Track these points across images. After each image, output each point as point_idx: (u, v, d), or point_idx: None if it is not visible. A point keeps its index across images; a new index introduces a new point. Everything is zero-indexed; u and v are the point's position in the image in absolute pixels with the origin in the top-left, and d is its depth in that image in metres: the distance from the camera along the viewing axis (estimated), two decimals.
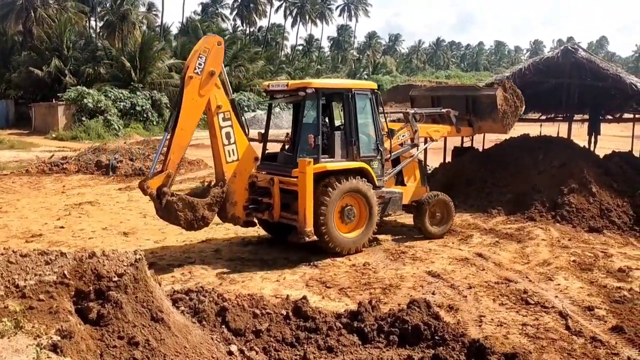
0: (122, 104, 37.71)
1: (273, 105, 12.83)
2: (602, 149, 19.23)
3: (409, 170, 12.75)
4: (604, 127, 20.44)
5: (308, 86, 10.91)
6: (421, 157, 13.62)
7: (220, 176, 10.55)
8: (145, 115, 38.51)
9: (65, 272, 4.91)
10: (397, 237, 12.55)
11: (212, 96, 10.17)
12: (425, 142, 13.40)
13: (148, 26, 59.78)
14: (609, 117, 20.13)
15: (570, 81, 16.87)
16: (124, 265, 5.12)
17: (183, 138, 10.02)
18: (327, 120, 11.90)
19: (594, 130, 19.69)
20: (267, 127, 12.33)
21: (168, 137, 10.05)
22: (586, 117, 20.38)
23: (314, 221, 10.53)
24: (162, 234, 12.65)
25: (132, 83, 39.97)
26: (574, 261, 11.12)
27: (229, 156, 10.42)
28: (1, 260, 4.93)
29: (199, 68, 9.95)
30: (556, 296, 9.25)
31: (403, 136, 12.42)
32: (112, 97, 37.74)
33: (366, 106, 11.46)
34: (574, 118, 20.25)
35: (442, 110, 13.85)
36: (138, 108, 38.09)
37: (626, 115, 19.94)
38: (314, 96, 10.89)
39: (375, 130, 11.52)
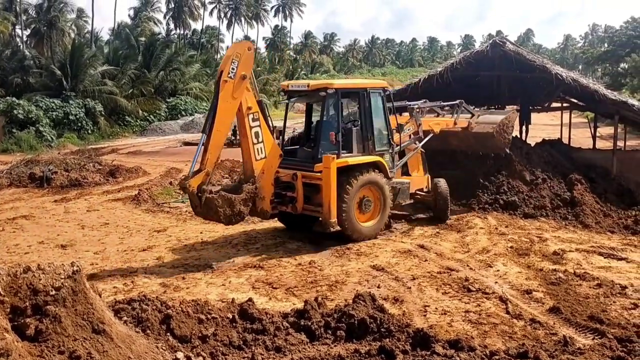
0: (54, 113, 36.41)
1: (289, 105, 13.42)
2: (533, 137, 19.98)
3: (413, 162, 13.49)
4: (534, 116, 21.21)
5: (329, 86, 11.80)
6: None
7: (250, 173, 11.13)
8: (79, 124, 37.31)
9: None
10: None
11: (243, 98, 10.79)
12: (426, 134, 13.68)
13: (78, 33, 58.03)
14: (538, 107, 20.87)
15: (500, 73, 17.42)
16: (61, 278, 4.98)
17: (219, 138, 10.66)
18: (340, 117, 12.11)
19: (525, 120, 20.38)
20: (285, 125, 13.04)
21: (205, 138, 10.55)
22: (517, 107, 21.05)
23: (337, 212, 11.39)
24: (102, 245, 12.34)
25: (64, 92, 38.65)
26: (511, 247, 11.52)
27: (258, 154, 11.06)
28: None
29: (232, 72, 10.56)
30: (496, 282, 9.57)
31: (408, 130, 13.18)
32: (44, 106, 36.39)
33: (378, 103, 12.35)
34: (506, 109, 20.89)
35: (456, 102, 14.58)
36: (71, 117, 36.87)
37: (554, 104, 20.73)
38: (335, 96, 11.76)
39: (386, 126, 12.37)
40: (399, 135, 12.76)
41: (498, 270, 10.23)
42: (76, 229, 13.84)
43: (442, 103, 14.69)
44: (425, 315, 8.23)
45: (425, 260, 10.75)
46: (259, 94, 11.38)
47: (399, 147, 12.78)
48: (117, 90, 41.62)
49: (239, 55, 10.69)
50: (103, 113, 39.32)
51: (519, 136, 19.15)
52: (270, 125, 11.37)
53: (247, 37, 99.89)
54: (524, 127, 20.38)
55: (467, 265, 10.46)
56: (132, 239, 12.85)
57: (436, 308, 8.51)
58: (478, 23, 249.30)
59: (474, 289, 9.19)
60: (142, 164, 24.05)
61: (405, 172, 13.34)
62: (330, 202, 11.31)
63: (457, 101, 14.44)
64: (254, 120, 10.96)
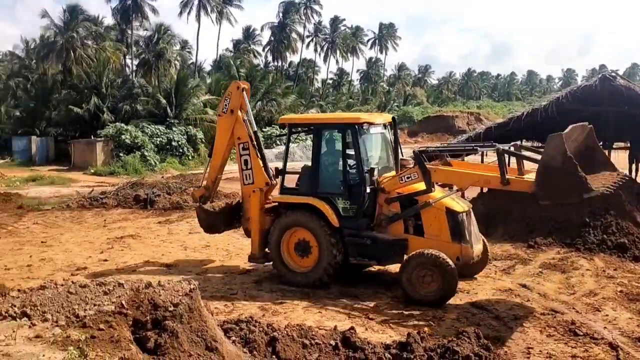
0: (158, 139, 38.46)
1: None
2: None
3: (430, 219, 10.36)
4: None
5: (284, 121, 12.07)
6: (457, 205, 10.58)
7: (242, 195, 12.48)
8: (181, 150, 39.18)
9: (123, 302, 5.03)
10: None
11: (235, 129, 12.20)
12: (451, 188, 11.19)
13: (182, 63, 61.27)
14: None
15: (609, 108, 16.71)
16: (179, 295, 5.23)
17: (216, 161, 12.73)
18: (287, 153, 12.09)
19: (634, 158, 19.38)
20: (285, 161, 12.13)
21: (209, 160, 12.92)
22: (626, 145, 20.08)
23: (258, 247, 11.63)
24: (204, 266, 12.82)
25: (168, 119, 40.79)
26: (620, 291, 10.87)
27: (246, 179, 12.07)
28: (61, 290, 5.08)
29: (225, 108, 12.35)
30: (605, 327, 9.06)
31: (409, 177, 10.45)
32: (149, 133, 38.55)
33: (334, 140, 11.46)
34: (614, 146, 19.97)
35: (474, 146, 12.34)
36: (174, 143, 38.80)
37: None
38: (289, 130, 11.75)
39: (343, 166, 10.91)
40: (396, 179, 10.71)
41: (607, 315, 9.67)
42: (179, 250, 14.44)
43: (473, 145, 12.47)
44: (528, 358, 7.91)
45: (528, 300, 10.35)
46: (253, 126, 12.31)
47: (377, 193, 10.74)
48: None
49: (230, 93, 12.34)
50: (203, 140, 41.03)
51: (628, 174, 18.19)
52: (262, 154, 12.13)
53: (341, 70, 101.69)
54: (633, 166, 19.36)
55: (573, 308, 9.97)
56: (232, 261, 13.26)
57: (540, 351, 8.15)
58: (580, 57, 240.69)
59: (581, 334, 8.73)
60: (239, 190, 24.61)
61: (418, 230, 10.56)
62: (253, 235, 11.75)
63: (500, 145, 10.12)
64: (243, 149, 12.07)
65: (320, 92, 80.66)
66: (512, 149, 10.34)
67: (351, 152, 10.83)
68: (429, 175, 10.18)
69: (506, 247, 13.95)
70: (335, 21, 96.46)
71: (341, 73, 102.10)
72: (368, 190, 10.69)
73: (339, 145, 11.19)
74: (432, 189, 10.26)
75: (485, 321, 9.26)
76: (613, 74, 16.21)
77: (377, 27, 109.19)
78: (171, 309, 5.11)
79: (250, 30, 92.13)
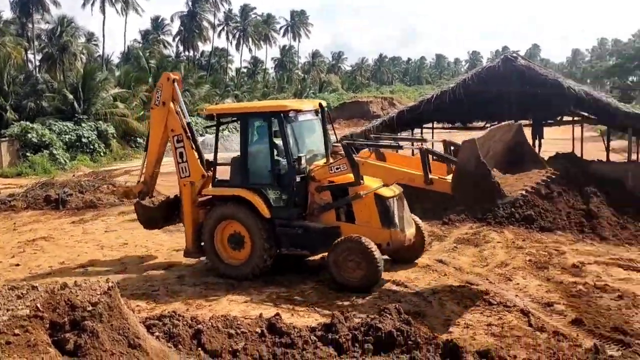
0: (67, 136, 36.82)
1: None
2: (546, 152, 19.98)
3: (360, 206, 10.32)
4: (546, 130, 21.23)
5: (210, 111, 12.05)
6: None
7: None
8: (92, 147, 37.71)
9: (38, 305, 4.86)
10: None
11: (168, 122, 11.97)
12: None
13: (89, 56, 58.78)
14: (550, 121, 20.90)
15: (512, 88, 17.51)
16: (97, 294, 5.11)
17: (152, 155, 12.50)
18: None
19: (537, 135, 20.42)
20: (216, 152, 11.84)
21: (145, 155, 12.75)
22: (529, 122, 21.12)
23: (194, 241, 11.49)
24: (122, 265, 12.48)
25: (77, 115, 39.11)
26: (529, 260, 11.54)
27: (182, 172, 11.73)
28: None
29: (157, 100, 12.12)
30: (516, 295, 9.59)
31: (338, 168, 10.40)
32: (57, 130, 36.82)
33: (261, 130, 11.21)
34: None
35: (396, 144, 11.57)
36: (84, 140, 37.28)
37: (566, 119, 20.75)
38: (215, 121, 11.64)
39: (270, 156, 10.74)
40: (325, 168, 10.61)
41: (518, 284, 10.26)
42: (95, 250, 13.98)
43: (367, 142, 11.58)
44: (447, 329, 8.27)
45: (445, 275, 10.79)
46: (187, 117, 12.15)
47: (304, 183, 10.64)
48: (129, 112, 42.08)
49: (161, 85, 12.16)
50: (115, 135, 39.71)
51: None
52: (197, 146, 11.93)
53: (255, 58, 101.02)
54: (536, 142, 20.40)
55: (487, 279, 10.49)
56: (152, 258, 13.00)
57: (458, 322, 8.55)
58: (484, 39, 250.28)
59: (495, 302, 9.21)
60: (156, 185, 24.15)
61: (350, 217, 10.53)
62: (186, 229, 11.67)
63: (417, 141, 10.93)
64: (178, 141, 11.81)
65: (235, 81, 79.78)
66: (438, 146, 10.52)
67: (279, 141, 10.69)
68: (357, 168, 10.13)
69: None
70: (245, 9, 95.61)
71: (255, 61, 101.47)
72: (298, 179, 10.57)
73: (266, 135, 10.94)
74: (361, 181, 10.22)
75: (405, 297, 9.59)
76: (514, 54, 16.97)
77: (288, 15, 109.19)
78: (90, 308, 4.99)
79: (159, 21, 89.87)
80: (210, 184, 11.46)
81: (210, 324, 6.21)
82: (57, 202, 20.17)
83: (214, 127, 11.85)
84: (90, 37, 73.84)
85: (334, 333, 6.51)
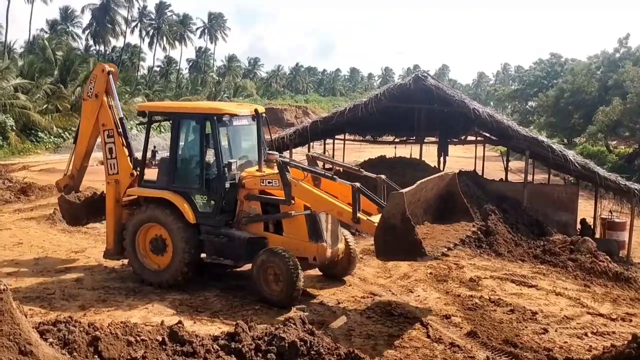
0: None
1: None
2: (450, 168, 20.82)
3: (289, 219, 10.09)
4: (451, 148, 22.16)
5: (143, 108, 11.50)
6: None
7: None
8: None
9: None
10: None
11: (99, 115, 11.54)
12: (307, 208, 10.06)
13: None
14: (455, 139, 21.85)
15: (421, 106, 18.15)
16: None
17: (81, 149, 12.10)
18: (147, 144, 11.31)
19: (443, 152, 21.27)
20: (145, 150, 11.42)
21: (73, 148, 12.31)
22: (435, 139, 21.95)
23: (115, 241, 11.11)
24: (16, 265, 11.79)
25: None
26: (430, 273, 11.95)
27: (111, 169, 11.34)
28: None
29: (90, 92, 11.67)
30: (417, 307, 9.91)
31: (270, 182, 10.13)
32: None
33: (192, 132, 10.84)
34: (425, 140, 21.76)
35: (325, 173, 10.78)
36: None
37: (470, 138, 21.76)
38: (148, 119, 11.18)
39: (199, 159, 10.42)
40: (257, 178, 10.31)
41: (419, 296, 10.61)
42: None
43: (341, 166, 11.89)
44: (350, 339, 8.41)
45: (350, 285, 10.98)
46: (119, 112, 11.72)
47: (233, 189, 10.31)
48: (31, 105, 39.91)
49: (95, 76, 11.77)
50: (14, 128, 37.52)
51: (437, 166, 19.94)
52: (128, 142, 11.48)
53: (169, 58, 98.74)
54: (441, 159, 21.24)
55: (390, 290, 10.77)
56: (48, 259, 12.35)
57: (360, 332, 8.72)
58: (397, 57, 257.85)
59: (397, 314, 9.48)
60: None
61: (277, 228, 10.32)
62: (107, 229, 11.38)
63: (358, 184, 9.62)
64: (108, 137, 11.44)
65: (146, 79, 77.60)
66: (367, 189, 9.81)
67: (210, 144, 10.28)
68: (290, 188, 9.79)
69: None
70: (161, 7, 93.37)
71: (169, 61, 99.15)
72: (227, 185, 10.21)
73: (197, 137, 10.54)
74: (292, 201, 9.84)
75: (310, 307, 9.67)
76: (425, 74, 17.58)
77: (206, 17, 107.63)
78: None
79: (69, 11, 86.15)
80: (137, 184, 10.99)
81: (108, 330, 5.98)
82: None
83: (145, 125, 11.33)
84: None
85: (237, 342, 6.46)
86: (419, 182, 9.23)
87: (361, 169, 11.16)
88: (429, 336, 8.64)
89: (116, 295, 10.10)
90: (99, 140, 11.93)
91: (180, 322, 6.78)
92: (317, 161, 11.51)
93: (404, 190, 8.58)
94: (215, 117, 10.19)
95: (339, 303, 9.95)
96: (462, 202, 10.62)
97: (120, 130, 11.42)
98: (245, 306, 9.64)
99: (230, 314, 9.26)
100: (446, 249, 9.17)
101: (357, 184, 9.53)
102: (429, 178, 9.90)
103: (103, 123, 11.50)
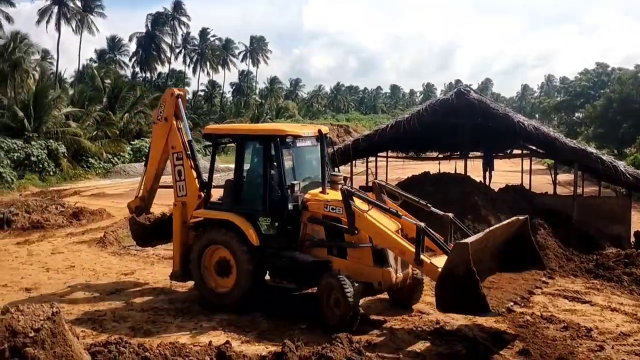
0: (15, 154, 35.78)
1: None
2: (496, 183, 20.51)
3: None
4: (496, 162, 21.81)
5: (206, 131, 11.63)
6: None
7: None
8: (41, 166, 36.69)
9: None
10: None
11: (169, 138, 11.77)
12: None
13: (42, 74, 57.38)
14: (500, 153, 21.51)
15: (464, 121, 17.94)
16: (41, 320, 4.94)
17: (151, 171, 12.40)
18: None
19: (488, 166, 20.95)
20: (211, 173, 11.62)
21: (144, 170, 12.68)
22: (480, 154, 21.66)
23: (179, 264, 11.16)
24: (68, 288, 12.11)
25: (26, 132, 38.11)
26: None
27: (180, 191, 11.44)
28: None
29: (160, 115, 11.97)
30: (466, 325, 9.69)
31: (333, 209, 9.90)
32: (5, 147, 35.75)
33: (258, 154, 10.66)
34: (469, 155, 21.48)
35: (390, 209, 9.96)
36: (33, 158, 36.26)
37: (515, 152, 21.38)
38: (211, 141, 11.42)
39: (264, 181, 10.29)
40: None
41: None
42: (40, 272, 13.55)
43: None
44: (398, 358, 8.28)
45: (397, 304, 10.83)
46: (188, 134, 11.85)
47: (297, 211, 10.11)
48: (81, 132, 41.26)
49: (164, 100, 12.08)
50: (66, 155, 38.80)
51: (482, 181, 19.65)
52: (197, 165, 11.53)
53: (213, 82, 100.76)
54: (487, 173, 20.93)
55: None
56: (99, 282, 12.65)
57: (409, 351, 8.57)
58: (439, 72, 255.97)
59: (445, 332, 9.31)
60: (106, 207, 23.72)
61: (340, 252, 10.02)
62: (174, 251, 11.38)
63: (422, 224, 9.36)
64: (177, 159, 11.58)
65: (191, 103, 79.27)
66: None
67: (274, 166, 10.14)
68: (353, 217, 9.46)
69: None
70: (204, 33, 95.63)
71: (213, 85, 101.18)
72: (290, 207, 10.02)
73: (261, 159, 10.44)
74: (355, 231, 9.54)
75: (359, 326, 9.53)
76: (467, 88, 17.41)
77: (247, 40, 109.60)
78: (32, 334, 4.81)
79: (116, 41, 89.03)
80: (203, 206, 11.00)
81: (157, 351, 6.06)
82: (2, 222, 19.50)
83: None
84: (45, 54, 72.42)
85: None
86: (487, 231, 8.83)
87: (429, 204, 10.46)
88: (478, 355, 8.43)
89: (165, 316, 10.23)
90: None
91: (227, 342, 6.83)
92: (384, 190, 10.76)
93: (469, 240, 8.09)
94: (278, 139, 10.05)
95: (385, 321, 9.83)
96: (534, 248, 9.95)
97: (189, 152, 11.50)
98: (291, 325, 9.61)
99: (278, 334, 9.22)
100: (512, 304, 8.57)
101: (422, 224, 9.16)
102: (497, 226, 9.42)
103: (172, 145, 11.66)
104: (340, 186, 9.97)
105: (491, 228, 8.96)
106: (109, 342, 6.22)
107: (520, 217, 9.90)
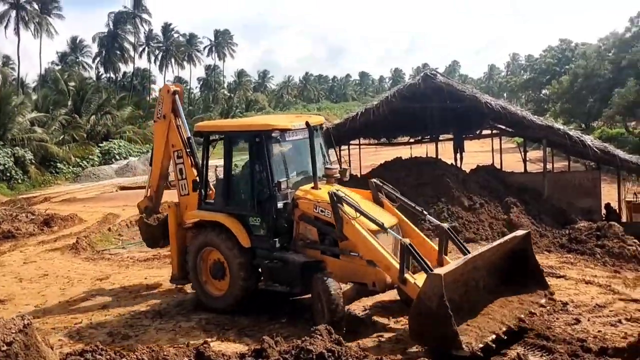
0: None
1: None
2: (468, 164, 20.68)
3: (346, 244, 9.23)
4: (466, 144, 22.00)
5: (199, 128, 10.67)
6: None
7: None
8: (8, 174, 36.04)
9: None
10: None
11: (169, 136, 11.56)
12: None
13: (4, 80, 56.25)
14: (470, 135, 21.69)
15: (433, 105, 18.04)
16: (12, 333, 4.83)
17: (155, 169, 12.08)
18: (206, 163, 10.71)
19: (459, 148, 21.12)
20: (205, 171, 11.04)
21: (151, 169, 12.37)
22: (450, 136, 21.82)
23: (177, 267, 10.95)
24: (42, 297, 11.90)
25: None
26: None
27: (182, 190, 11.28)
28: None
29: (159, 114, 11.74)
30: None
31: (322, 211, 9.41)
32: None
33: (245, 150, 10.20)
34: (440, 138, 21.62)
35: (383, 224, 8.88)
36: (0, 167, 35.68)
37: (485, 132, 21.58)
38: (203, 138, 10.49)
39: (252, 179, 9.85)
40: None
41: None
42: (13, 282, 13.30)
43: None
44: (379, 346, 8.30)
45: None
46: (187, 131, 11.52)
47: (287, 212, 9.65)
48: (48, 137, 40.58)
49: (161, 97, 11.87)
50: (33, 161, 38.16)
51: (454, 163, 19.80)
52: (197, 163, 11.01)
53: (178, 78, 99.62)
54: (458, 155, 21.10)
55: None
56: (74, 289, 12.45)
57: (389, 337, 8.60)
58: (407, 57, 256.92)
59: None
60: (77, 212, 23.42)
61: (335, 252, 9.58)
62: (172, 253, 11.18)
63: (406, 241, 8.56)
64: (178, 157, 11.41)
65: None
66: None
67: (261, 163, 9.61)
68: (342, 223, 8.92)
69: None
70: (167, 29, 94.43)
71: (179, 81, 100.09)
72: (280, 205, 9.56)
73: (248, 155, 9.98)
74: (344, 238, 9.02)
75: (363, 329, 9.07)
76: (434, 72, 17.50)
77: (212, 34, 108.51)
78: (4, 348, 4.69)
79: (77, 42, 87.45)
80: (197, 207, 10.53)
81: (135, 356, 5.98)
82: None
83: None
84: (6, 60, 70.98)
85: (264, 358, 6.41)
86: (468, 257, 8.15)
87: (424, 211, 10.00)
88: None
89: (142, 320, 10.11)
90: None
91: (206, 341, 6.77)
92: (381, 190, 10.10)
93: (443, 271, 7.41)
94: (264, 134, 9.54)
95: (365, 310, 9.84)
96: (535, 265, 9.23)
97: (189, 150, 11.26)
98: (272, 320, 9.57)
99: (258, 330, 9.17)
100: (494, 336, 7.44)
101: (407, 241, 8.44)
102: (482, 250, 8.70)
103: (172, 144, 11.48)
104: (329, 188, 9.37)
105: (472, 255, 8.30)
106: (84, 351, 6.09)
107: (521, 233, 9.36)
